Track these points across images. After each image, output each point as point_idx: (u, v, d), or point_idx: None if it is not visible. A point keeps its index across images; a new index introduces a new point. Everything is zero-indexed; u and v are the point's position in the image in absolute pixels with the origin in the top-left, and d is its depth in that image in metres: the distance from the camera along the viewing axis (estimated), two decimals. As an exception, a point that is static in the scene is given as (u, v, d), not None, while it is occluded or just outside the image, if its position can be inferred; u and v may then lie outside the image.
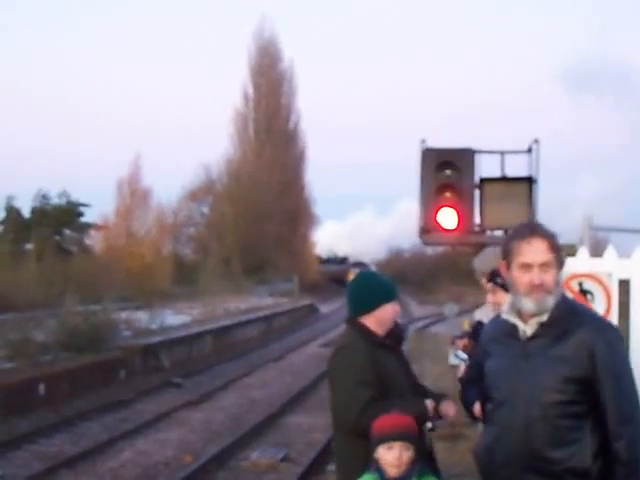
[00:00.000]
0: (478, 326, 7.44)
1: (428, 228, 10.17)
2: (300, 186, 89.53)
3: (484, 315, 7.12)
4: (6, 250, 40.26)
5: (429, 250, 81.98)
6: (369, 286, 5.55)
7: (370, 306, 5.45)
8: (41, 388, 19.72)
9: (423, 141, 10.31)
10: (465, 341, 7.30)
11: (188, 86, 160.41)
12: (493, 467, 4.37)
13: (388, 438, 4.89)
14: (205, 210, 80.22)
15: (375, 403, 5.17)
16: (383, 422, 4.95)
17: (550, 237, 4.32)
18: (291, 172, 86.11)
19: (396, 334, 5.58)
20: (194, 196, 77.57)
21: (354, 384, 5.23)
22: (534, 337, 4.31)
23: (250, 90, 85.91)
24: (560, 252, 4.34)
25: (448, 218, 10.12)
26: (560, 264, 4.35)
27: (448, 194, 10.20)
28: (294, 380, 25.60)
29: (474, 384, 4.89)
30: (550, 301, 4.27)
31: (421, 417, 5.20)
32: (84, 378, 21.99)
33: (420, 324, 46.87)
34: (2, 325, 23.57)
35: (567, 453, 4.15)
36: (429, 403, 5.30)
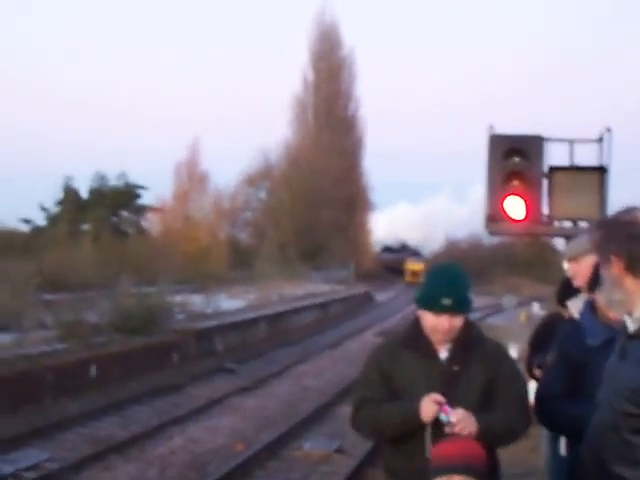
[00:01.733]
0: (562, 324, 6.17)
1: (495, 217, 9.78)
2: (358, 173, 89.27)
3: (575, 308, 6.07)
4: (63, 230, 40.48)
5: (485, 240, 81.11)
6: (423, 282, 4.85)
7: (416, 303, 4.81)
8: (92, 370, 19.59)
9: (491, 127, 9.94)
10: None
11: (248, 71, 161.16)
12: (577, 469, 3.92)
13: (447, 470, 4.05)
14: (262, 195, 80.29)
15: (367, 404, 4.72)
16: (443, 449, 4.17)
17: None
18: (349, 158, 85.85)
19: (461, 345, 4.70)
20: (252, 181, 77.60)
21: (359, 382, 4.94)
22: (634, 336, 3.66)
23: (310, 76, 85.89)
24: None
25: (516, 207, 9.75)
26: None
27: (516, 182, 9.82)
28: (348, 369, 25.23)
29: (570, 398, 4.49)
30: None
31: (411, 421, 4.51)
32: (136, 361, 21.85)
33: (477, 315, 46.31)
34: (56, 305, 23.53)
35: (635, 474, 3.50)
36: (428, 400, 4.43)
